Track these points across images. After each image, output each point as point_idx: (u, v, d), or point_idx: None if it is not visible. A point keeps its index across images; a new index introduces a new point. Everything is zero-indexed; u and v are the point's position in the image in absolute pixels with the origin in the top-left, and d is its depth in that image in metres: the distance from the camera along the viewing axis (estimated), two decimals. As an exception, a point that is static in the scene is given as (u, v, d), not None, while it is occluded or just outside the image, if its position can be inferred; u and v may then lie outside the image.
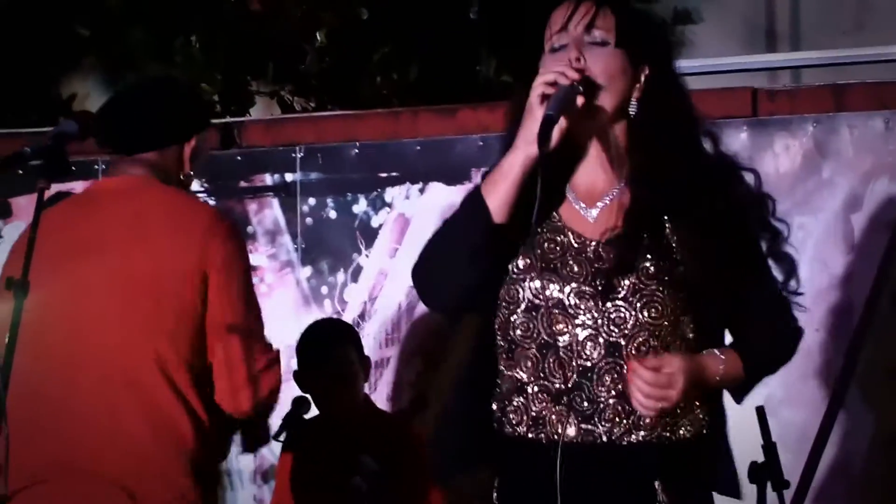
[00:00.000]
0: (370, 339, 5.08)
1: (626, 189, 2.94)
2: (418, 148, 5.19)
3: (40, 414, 3.51)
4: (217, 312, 3.54)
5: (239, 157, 5.40)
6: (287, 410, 4.47)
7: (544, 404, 2.86)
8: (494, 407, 2.93)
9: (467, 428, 2.96)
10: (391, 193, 5.19)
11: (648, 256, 2.87)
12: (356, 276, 5.22)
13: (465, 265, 2.88)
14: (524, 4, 6.18)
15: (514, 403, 2.89)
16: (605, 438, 2.84)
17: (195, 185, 5.27)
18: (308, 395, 4.56)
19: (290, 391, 4.60)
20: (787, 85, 5.41)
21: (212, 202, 5.32)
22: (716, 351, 2.89)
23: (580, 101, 2.84)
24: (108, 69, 6.86)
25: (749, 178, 2.99)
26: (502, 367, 2.93)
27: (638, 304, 2.84)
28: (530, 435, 2.87)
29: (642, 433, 2.85)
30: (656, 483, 2.84)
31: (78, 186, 5.44)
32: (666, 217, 2.91)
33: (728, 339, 2.99)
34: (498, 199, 2.84)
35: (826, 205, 4.59)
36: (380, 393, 5.10)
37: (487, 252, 2.86)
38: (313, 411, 4.58)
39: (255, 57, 6.26)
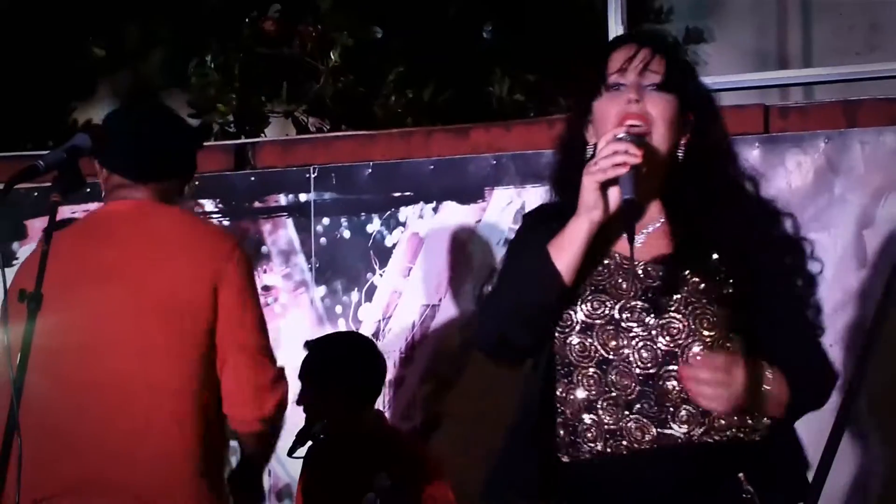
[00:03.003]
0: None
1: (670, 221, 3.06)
2: (431, 167, 5.20)
3: (55, 433, 3.53)
4: (227, 328, 3.59)
5: (253, 178, 5.43)
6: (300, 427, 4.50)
7: (617, 416, 2.93)
8: (562, 433, 2.99)
9: (531, 458, 3.00)
10: (405, 213, 5.20)
11: (696, 275, 2.96)
12: (370, 296, 5.23)
13: (537, 324, 3.00)
14: (539, 26, 6.22)
15: (587, 422, 2.96)
16: (682, 440, 2.91)
17: (210, 206, 5.32)
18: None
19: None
20: (798, 102, 5.41)
21: (226, 222, 5.35)
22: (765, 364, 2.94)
23: (644, 169, 2.94)
24: (123, 95, 6.89)
25: (789, 221, 3.07)
26: (561, 392, 3.00)
27: (690, 317, 2.93)
28: (608, 450, 2.93)
29: (716, 436, 2.91)
30: (740, 475, 2.92)
31: (93, 208, 5.51)
32: (713, 246, 3.00)
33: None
34: (566, 265, 2.95)
35: (838, 221, 4.59)
36: (393, 411, 5.10)
37: (557, 310, 2.99)
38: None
39: (269, 77, 6.27)
